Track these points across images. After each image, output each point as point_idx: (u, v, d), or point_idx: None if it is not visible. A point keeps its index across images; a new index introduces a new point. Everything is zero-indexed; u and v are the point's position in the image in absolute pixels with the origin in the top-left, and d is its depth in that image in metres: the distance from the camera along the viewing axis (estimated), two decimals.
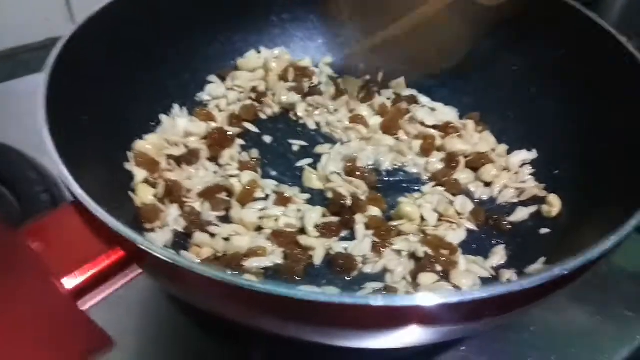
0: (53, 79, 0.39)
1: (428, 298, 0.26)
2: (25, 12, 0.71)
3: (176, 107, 0.55)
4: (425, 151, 0.53)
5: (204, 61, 0.58)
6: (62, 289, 0.29)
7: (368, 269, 0.44)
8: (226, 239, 0.45)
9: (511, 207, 0.50)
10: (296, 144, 0.55)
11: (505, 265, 0.45)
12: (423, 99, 0.60)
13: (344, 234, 0.47)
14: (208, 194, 0.48)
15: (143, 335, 0.45)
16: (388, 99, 0.60)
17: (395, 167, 0.53)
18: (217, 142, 0.52)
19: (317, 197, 0.50)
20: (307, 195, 0.49)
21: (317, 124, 0.57)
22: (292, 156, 0.54)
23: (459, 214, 0.48)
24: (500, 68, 0.57)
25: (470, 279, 0.42)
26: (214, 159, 0.52)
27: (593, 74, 0.49)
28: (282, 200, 0.48)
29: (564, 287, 0.30)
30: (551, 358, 0.44)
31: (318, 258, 0.44)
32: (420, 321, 0.28)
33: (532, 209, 0.49)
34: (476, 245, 0.47)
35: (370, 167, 0.53)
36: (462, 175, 0.51)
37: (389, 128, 0.55)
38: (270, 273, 0.43)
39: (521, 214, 0.48)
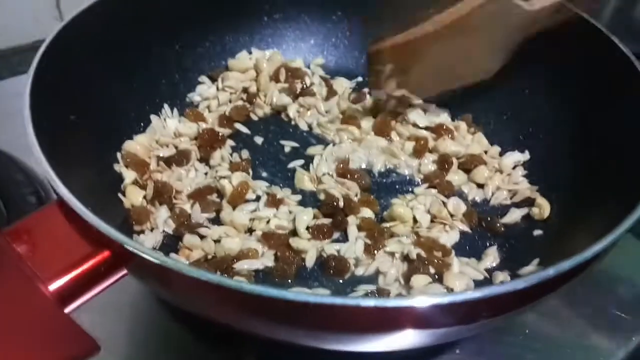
0: (38, 79, 0.38)
1: (420, 299, 0.26)
2: (14, 14, 0.70)
3: (166, 108, 0.54)
4: (418, 153, 0.53)
5: (194, 61, 0.58)
6: (47, 293, 0.29)
7: (360, 271, 0.44)
8: (216, 241, 0.44)
9: (504, 209, 0.49)
10: (288, 145, 0.54)
11: (498, 267, 0.45)
12: (415, 100, 0.59)
13: (336, 235, 0.46)
14: (198, 195, 0.47)
15: (133, 338, 0.44)
16: (380, 100, 0.59)
17: (388, 168, 0.53)
18: (208, 142, 0.52)
19: (308, 199, 0.49)
20: (298, 197, 0.49)
21: (309, 124, 0.56)
22: (283, 157, 0.53)
23: (451, 215, 0.48)
24: None
25: (463, 281, 0.42)
26: (204, 160, 0.52)
27: (586, 75, 0.49)
28: (274, 202, 0.47)
29: (558, 288, 0.30)
30: None
31: (310, 260, 0.44)
32: (413, 323, 0.27)
33: (525, 210, 0.48)
34: (469, 246, 0.46)
35: (362, 168, 0.52)
36: (455, 177, 0.51)
37: (381, 129, 0.55)
38: (261, 275, 0.43)
39: (514, 215, 0.48)
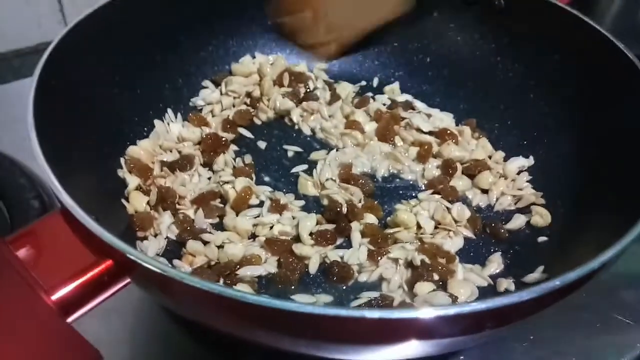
0: (42, 85, 0.38)
1: (426, 311, 0.25)
2: (18, 17, 0.70)
3: (170, 112, 0.54)
4: (422, 158, 0.53)
5: (198, 66, 0.58)
6: (49, 302, 0.28)
7: (364, 278, 0.43)
8: (220, 247, 0.44)
9: (508, 215, 0.49)
10: (291, 150, 0.54)
11: (502, 273, 0.44)
12: (419, 105, 0.59)
13: (339, 241, 0.46)
14: (201, 201, 0.47)
15: (135, 342, 0.44)
16: (384, 104, 0.59)
17: (392, 173, 0.52)
18: (211, 147, 0.51)
19: (312, 204, 0.49)
20: (301, 202, 0.49)
21: (312, 129, 0.56)
22: (286, 162, 0.53)
23: (456, 221, 0.47)
24: (496, 74, 0.57)
25: (467, 288, 0.41)
26: (207, 164, 0.51)
27: (590, 79, 0.49)
28: (277, 207, 0.47)
29: (564, 297, 0.30)
30: None
31: (313, 267, 0.44)
32: (417, 334, 0.27)
33: (529, 216, 0.48)
34: (473, 253, 0.46)
35: (366, 173, 0.52)
36: (459, 182, 0.51)
37: (384, 134, 0.54)
38: (264, 282, 0.43)
39: (518, 221, 0.48)
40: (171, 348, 0.44)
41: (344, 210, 0.46)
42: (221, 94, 0.58)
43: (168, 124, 0.53)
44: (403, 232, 0.46)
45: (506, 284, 0.43)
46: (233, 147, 0.54)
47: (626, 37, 0.47)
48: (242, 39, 0.61)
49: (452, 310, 0.26)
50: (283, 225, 0.46)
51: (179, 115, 0.55)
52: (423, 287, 0.41)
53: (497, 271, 0.44)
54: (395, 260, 0.44)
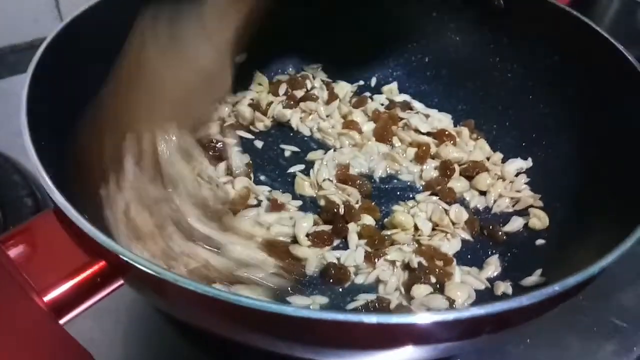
0: (36, 80, 0.38)
1: (423, 316, 0.25)
2: (14, 13, 0.70)
3: None
4: (420, 159, 0.52)
5: None
6: (41, 303, 0.28)
7: (360, 280, 0.43)
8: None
9: (506, 217, 0.49)
10: (288, 150, 0.54)
11: (500, 276, 0.44)
12: (417, 105, 0.59)
13: (336, 242, 0.46)
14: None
15: (128, 342, 0.44)
16: (382, 104, 0.59)
17: (389, 174, 0.52)
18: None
19: (308, 205, 0.49)
20: (298, 202, 0.48)
21: (310, 129, 0.56)
22: (283, 162, 0.53)
23: (453, 223, 0.47)
24: (495, 75, 0.57)
25: (465, 291, 0.41)
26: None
27: (589, 80, 0.49)
28: (276, 207, 0.47)
29: (563, 302, 0.29)
30: None
31: (310, 268, 0.43)
32: (415, 339, 0.27)
33: (527, 219, 0.48)
34: (470, 255, 0.46)
35: (363, 174, 0.52)
36: (457, 184, 0.50)
37: (382, 135, 0.54)
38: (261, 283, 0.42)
39: (516, 223, 0.48)
40: (165, 349, 0.44)
41: (341, 211, 0.46)
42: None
43: None
44: (400, 233, 0.45)
45: (504, 287, 0.42)
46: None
47: (625, 38, 0.47)
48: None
49: (451, 316, 0.25)
50: (281, 226, 0.46)
51: None
52: (420, 290, 0.41)
53: (495, 274, 0.44)
54: (392, 262, 0.44)
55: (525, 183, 0.51)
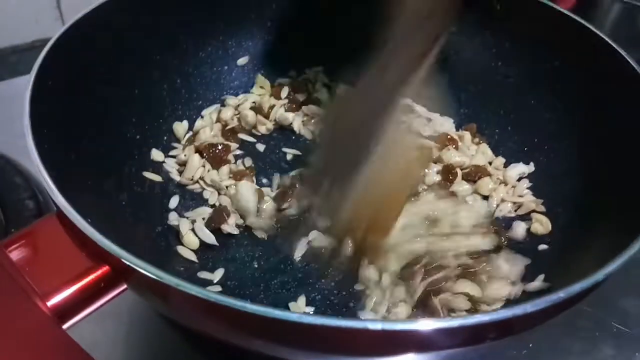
0: (39, 82, 0.37)
1: (427, 323, 0.25)
2: (15, 13, 0.70)
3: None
4: None
5: (196, 66, 0.57)
6: (44, 308, 0.28)
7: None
8: None
9: (508, 222, 0.49)
10: (290, 153, 0.54)
11: None
12: (418, 108, 0.59)
13: None
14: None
15: (130, 347, 0.44)
16: None
17: None
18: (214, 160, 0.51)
19: None
20: None
21: (312, 133, 0.56)
22: (285, 165, 0.53)
23: None
24: (496, 79, 0.57)
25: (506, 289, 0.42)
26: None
27: (591, 84, 0.49)
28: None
29: (568, 309, 0.29)
30: None
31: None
32: (419, 346, 0.27)
33: (529, 223, 0.48)
34: None
35: None
36: (459, 188, 0.50)
37: None
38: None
39: (518, 228, 0.48)
40: (166, 352, 0.44)
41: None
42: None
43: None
44: None
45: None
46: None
47: (626, 42, 0.47)
48: (241, 39, 0.60)
49: (455, 323, 0.25)
50: None
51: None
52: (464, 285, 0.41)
53: None
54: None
55: (528, 188, 0.51)
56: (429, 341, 0.26)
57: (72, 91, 0.42)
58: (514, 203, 0.50)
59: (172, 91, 0.55)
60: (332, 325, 0.25)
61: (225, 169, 0.50)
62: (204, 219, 0.46)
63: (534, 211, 0.49)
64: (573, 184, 0.48)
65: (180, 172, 0.50)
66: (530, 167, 0.52)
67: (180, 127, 0.54)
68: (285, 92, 0.58)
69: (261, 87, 0.60)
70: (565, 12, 0.50)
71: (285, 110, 0.56)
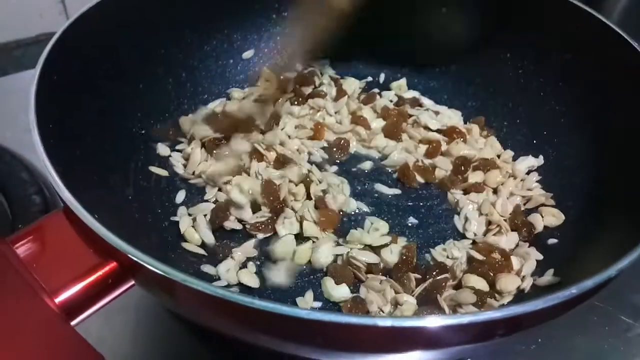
0: (44, 77, 0.37)
1: (437, 320, 0.25)
2: (19, 8, 0.69)
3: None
4: (431, 156, 0.52)
5: (201, 60, 0.57)
6: (52, 305, 0.28)
7: None
8: None
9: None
10: None
11: None
12: (426, 102, 0.58)
13: None
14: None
15: (138, 342, 0.44)
16: (390, 101, 0.58)
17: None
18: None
19: None
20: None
21: None
22: None
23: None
24: (505, 71, 0.56)
25: (515, 282, 0.42)
26: None
27: (602, 76, 0.48)
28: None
29: (579, 304, 0.29)
30: None
31: None
32: (428, 342, 0.26)
33: (539, 217, 0.47)
34: None
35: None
36: (471, 181, 0.50)
37: (392, 132, 0.54)
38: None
39: (536, 221, 0.47)
40: (174, 348, 0.44)
41: None
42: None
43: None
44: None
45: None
46: None
47: (635, 33, 0.46)
48: (246, 32, 0.59)
49: (465, 319, 0.25)
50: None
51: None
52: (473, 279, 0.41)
53: None
54: None
55: (537, 181, 0.50)
56: (438, 338, 0.26)
57: (77, 86, 0.41)
58: (523, 197, 0.49)
59: (178, 85, 0.54)
60: (341, 322, 0.24)
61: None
62: (205, 215, 0.46)
63: (543, 205, 0.48)
64: (583, 177, 0.47)
65: (185, 167, 0.50)
66: (540, 160, 0.51)
67: (187, 121, 0.53)
68: (291, 85, 0.57)
69: (267, 80, 0.59)
70: (574, 2, 0.50)
71: (291, 104, 0.56)
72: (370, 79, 0.61)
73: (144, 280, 0.30)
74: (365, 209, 0.48)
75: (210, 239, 0.45)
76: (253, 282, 0.42)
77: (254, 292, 0.42)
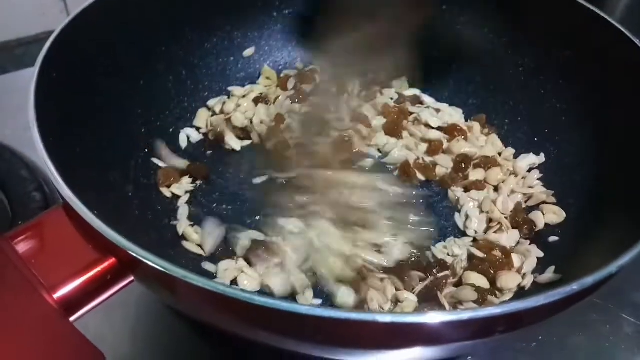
0: (44, 74, 0.37)
1: (436, 316, 0.25)
2: (20, 6, 0.69)
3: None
4: (432, 154, 0.52)
5: (202, 57, 0.57)
6: (51, 301, 0.28)
7: None
8: None
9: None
10: None
11: None
12: (427, 99, 0.58)
13: None
14: None
15: (137, 339, 0.44)
16: (391, 98, 0.58)
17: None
18: None
19: None
20: None
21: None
22: None
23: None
24: (506, 69, 0.56)
25: (516, 280, 0.42)
26: None
27: (603, 74, 0.48)
28: None
29: (580, 301, 0.29)
30: None
31: None
32: (428, 339, 0.26)
33: (540, 215, 0.47)
34: None
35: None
36: (472, 179, 0.50)
37: (393, 129, 0.53)
38: None
39: (537, 218, 0.47)
40: (174, 344, 0.43)
41: None
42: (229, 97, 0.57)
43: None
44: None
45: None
46: None
47: (638, 31, 0.46)
48: (247, 30, 0.59)
49: (466, 315, 0.25)
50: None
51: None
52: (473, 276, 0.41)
53: None
54: None
55: (538, 179, 0.50)
56: (438, 334, 0.26)
57: (77, 83, 0.41)
58: (524, 194, 0.49)
59: (178, 82, 0.54)
60: (341, 318, 0.24)
61: None
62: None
63: (544, 202, 0.48)
64: (585, 175, 0.47)
65: None
66: (541, 158, 0.51)
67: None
68: (291, 83, 0.57)
69: (267, 78, 0.59)
70: (576, 0, 0.49)
71: (292, 102, 0.56)
72: (372, 75, 0.61)
73: (143, 277, 0.30)
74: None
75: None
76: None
77: None
